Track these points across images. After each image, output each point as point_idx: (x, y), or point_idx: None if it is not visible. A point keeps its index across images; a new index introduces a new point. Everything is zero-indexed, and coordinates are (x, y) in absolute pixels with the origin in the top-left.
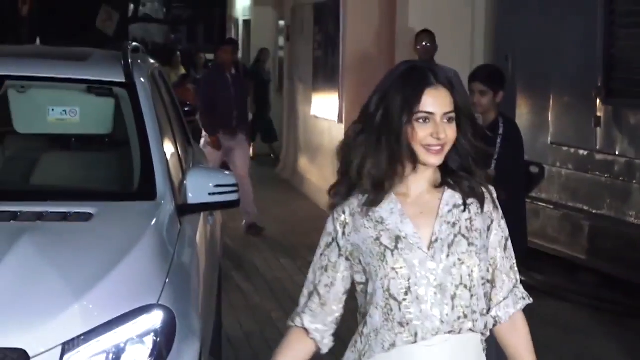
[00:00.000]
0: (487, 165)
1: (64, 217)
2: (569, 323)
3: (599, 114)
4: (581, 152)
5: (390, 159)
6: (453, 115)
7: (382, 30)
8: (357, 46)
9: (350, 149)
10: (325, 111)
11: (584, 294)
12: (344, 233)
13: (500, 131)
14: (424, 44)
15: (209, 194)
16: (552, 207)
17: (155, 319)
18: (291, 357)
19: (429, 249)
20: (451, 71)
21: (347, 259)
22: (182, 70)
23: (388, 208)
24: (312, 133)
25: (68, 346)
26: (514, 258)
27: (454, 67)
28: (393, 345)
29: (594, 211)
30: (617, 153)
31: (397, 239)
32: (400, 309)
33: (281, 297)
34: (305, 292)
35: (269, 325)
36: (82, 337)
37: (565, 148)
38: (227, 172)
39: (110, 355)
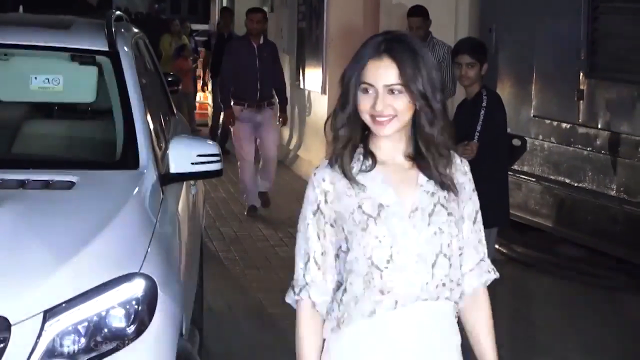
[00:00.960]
0: (470, 137)
1: (46, 185)
2: (550, 295)
3: (581, 87)
4: (564, 125)
5: (349, 127)
6: (400, 87)
7: (367, 0)
8: (341, 17)
9: (336, 114)
10: (310, 82)
11: (564, 267)
12: (326, 201)
13: (484, 104)
14: (417, 27)
15: (192, 163)
16: (534, 179)
17: (137, 287)
18: (315, 342)
19: (410, 217)
20: (444, 47)
21: (331, 225)
22: (185, 40)
23: (370, 176)
24: (296, 104)
25: (49, 314)
26: (482, 231)
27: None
28: (373, 312)
29: (575, 184)
30: (599, 126)
31: (380, 207)
32: (381, 277)
33: (262, 267)
34: (300, 263)
35: (250, 294)
36: (64, 304)
37: (547, 121)
38: (209, 142)
39: (92, 323)
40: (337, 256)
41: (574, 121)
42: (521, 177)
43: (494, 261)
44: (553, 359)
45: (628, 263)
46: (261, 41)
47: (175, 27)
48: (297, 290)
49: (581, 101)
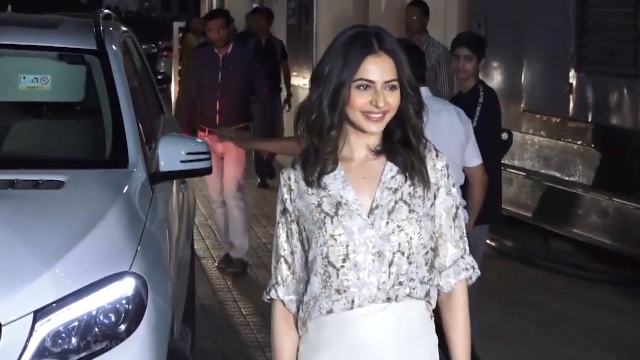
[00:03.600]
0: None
1: (36, 184)
2: (542, 289)
3: (571, 81)
4: (553, 119)
5: (327, 120)
6: (396, 83)
7: None
8: (331, 13)
9: (301, 112)
10: (300, 79)
11: (556, 261)
12: (291, 199)
13: (480, 99)
14: (414, 18)
15: (181, 161)
16: (524, 174)
17: (127, 286)
18: (287, 339)
19: (369, 215)
20: (439, 48)
21: (297, 223)
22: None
23: (331, 174)
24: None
25: (40, 314)
26: (464, 228)
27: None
28: (330, 311)
29: (566, 178)
30: (589, 120)
31: (338, 205)
32: (338, 276)
33: (254, 265)
34: (273, 262)
35: (242, 293)
36: (54, 304)
37: (537, 115)
38: (198, 140)
39: (82, 323)
40: (306, 255)
41: (564, 115)
42: (512, 172)
43: (484, 255)
44: (544, 353)
45: (618, 256)
46: (229, 50)
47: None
48: (268, 289)
49: (571, 95)
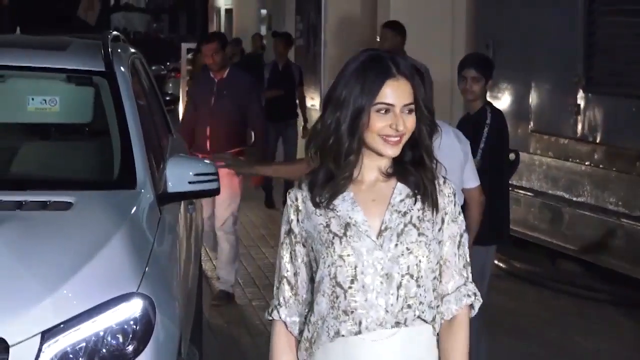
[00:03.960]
0: (472, 154)
1: (44, 206)
2: (550, 311)
3: (579, 101)
4: (562, 139)
5: (344, 145)
6: (413, 106)
7: (364, 18)
8: (340, 35)
9: (314, 135)
10: (309, 100)
11: (564, 282)
12: (298, 220)
13: (488, 121)
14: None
15: (189, 182)
16: (532, 194)
17: (134, 307)
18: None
19: (378, 237)
20: (422, 66)
21: (303, 245)
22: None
23: (340, 195)
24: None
25: (47, 335)
26: (467, 256)
27: (434, 55)
28: (337, 333)
29: (574, 198)
30: (597, 141)
31: (347, 226)
32: (345, 297)
33: (262, 285)
34: (276, 282)
35: (250, 313)
36: (62, 325)
37: (546, 136)
38: (207, 161)
39: (90, 344)
40: (311, 277)
41: (572, 136)
42: (520, 192)
43: (492, 276)
44: None
45: (627, 278)
46: (224, 75)
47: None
48: (270, 310)
49: (579, 116)
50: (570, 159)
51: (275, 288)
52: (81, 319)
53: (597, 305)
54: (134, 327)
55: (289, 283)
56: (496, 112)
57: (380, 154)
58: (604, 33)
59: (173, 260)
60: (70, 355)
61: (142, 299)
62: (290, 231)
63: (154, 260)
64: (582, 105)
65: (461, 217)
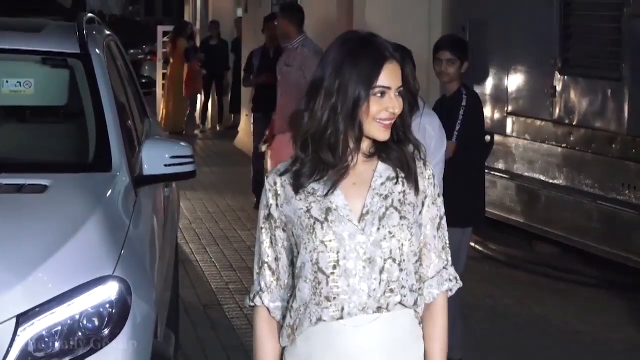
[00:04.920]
0: (448, 137)
1: (19, 189)
2: (526, 292)
3: (555, 84)
4: (538, 122)
5: (343, 134)
6: (402, 89)
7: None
8: (316, 15)
9: (300, 128)
10: None
11: (540, 264)
12: (277, 204)
13: (464, 103)
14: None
15: (165, 165)
16: (508, 177)
17: (110, 290)
18: (271, 348)
19: (359, 221)
20: (312, 45)
21: (283, 230)
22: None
23: (322, 180)
24: None
25: (23, 318)
26: (447, 238)
27: (411, 38)
28: (320, 319)
29: (550, 181)
30: (573, 123)
31: (328, 210)
32: (328, 283)
33: (239, 268)
34: (256, 268)
35: (226, 296)
36: (37, 309)
37: (522, 118)
38: (183, 143)
39: (66, 327)
40: (292, 262)
41: (548, 118)
42: (496, 175)
43: (470, 259)
44: (528, 356)
45: (603, 259)
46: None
47: (189, 30)
48: (252, 296)
49: (555, 98)
50: (546, 142)
51: (255, 274)
52: (57, 302)
53: (574, 287)
54: (110, 310)
55: (270, 268)
56: (472, 94)
57: (372, 138)
58: (581, 15)
59: (149, 243)
60: (46, 339)
61: (118, 282)
62: (269, 216)
63: (130, 243)
64: (558, 88)
65: (440, 200)
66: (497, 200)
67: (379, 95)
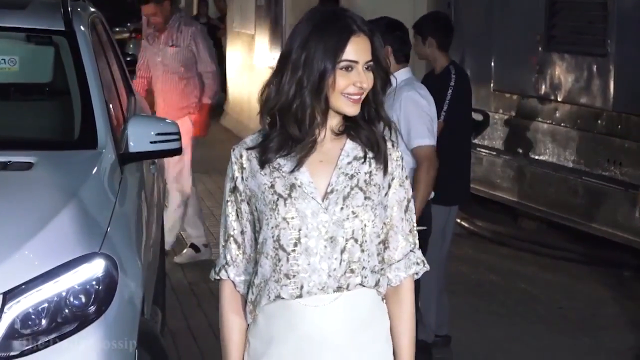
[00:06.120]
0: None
1: (4, 166)
2: (512, 269)
3: (540, 60)
4: (523, 98)
5: (309, 108)
6: (371, 63)
7: None
8: None
9: (268, 102)
10: (268, 60)
11: (526, 240)
12: (242, 177)
13: (452, 83)
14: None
15: (151, 142)
16: (494, 153)
17: (96, 267)
18: (237, 322)
19: (323, 200)
20: (192, 24)
21: (247, 203)
22: None
23: (289, 156)
24: (255, 82)
25: (8, 296)
26: (414, 221)
27: (396, 14)
28: (278, 296)
29: (536, 157)
30: (559, 99)
31: (292, 187)
32: (288, 260)
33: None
34: (222, 241)
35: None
36: (23, 286)
37: (507, 95)
38: (168, 120)
39: (52, 304)
40: (256, 236)
41: (533, 94)
42: (482, 151)
43: (455, 235)
44: (514, 331)
45: (588, 235)
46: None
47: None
48: (217, 269)
49: (540, 74)
50: (532, 118)
51: (221, 247)
52: (43, 279)
53: (560, 263)
54: (96, 287)
55: (235, 242)
56: (460, 73)
57: (340, 113)
58: None
59: (135, 220)
60: (33, 316)
61: (104, 259)
62: (235, 189)
63: (116, 220)
64: (543, 64)
65: (408, 182)
66: (482, 176)
67: (346, 69)
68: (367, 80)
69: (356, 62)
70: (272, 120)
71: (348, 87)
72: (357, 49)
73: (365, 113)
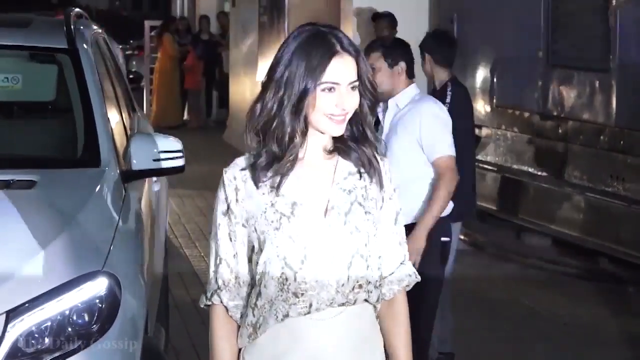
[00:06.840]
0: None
1: (7, 184)
2: (515, 285)
3: (543, 76)
4: (526, 114)
5: (289, 127)
6: (357, 84)
7: None
8: (303, 11)
9: (253, 118)
10: None
11: (529, 256)
12: (237, 199)
13: (447, 100)
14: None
15: (154, 159)
16: (497, 169)
17: (100, 285)
18: (229, 348)
19: (325, 216)
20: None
21: (243, 226)
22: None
23: (285, 176)
24: None
25: (12, 314)
26: (403, 234)
27: (399, 33)
28: (286, 315)
29: (538, 173)
30: (561, 115)
31: (294, 205)
32: (295, 278)
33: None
34: (212, 265)
35: None
36: (26, 305)
37: (510, 110)
38: (171, 138)
39: (55, 323)
40: (250, 259)
41: (536, 110)
42: (485, 167)
43: (459, 251)
44: (518, 348)
45: (592, 251)
46: None
47: (185, 25)
48: (208, 294)
49: (543, 90)
50: (534, 134)
51: (212, 272)
52: (46, 298)
53: (563, 279)
54: (100, 305)
55: (228, 265)
56: (458, 91)
57: (324, 133)
58: (567, 7)
59: (138, 238)
60: (36, 335)
61: (108, 278)
62: (228, 211)
63: (119, 238)
64: (545, 80)
65: (396, 194)
66: (485, 192)
67: (328, 90)
68: (350, 101)
69: (337, 83)
70: (259, 138)
71: (330, 108)
72: (339, 70)
73: (353, 131)
